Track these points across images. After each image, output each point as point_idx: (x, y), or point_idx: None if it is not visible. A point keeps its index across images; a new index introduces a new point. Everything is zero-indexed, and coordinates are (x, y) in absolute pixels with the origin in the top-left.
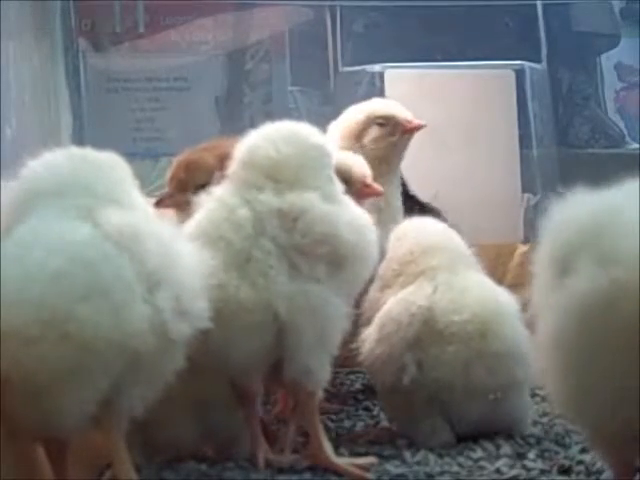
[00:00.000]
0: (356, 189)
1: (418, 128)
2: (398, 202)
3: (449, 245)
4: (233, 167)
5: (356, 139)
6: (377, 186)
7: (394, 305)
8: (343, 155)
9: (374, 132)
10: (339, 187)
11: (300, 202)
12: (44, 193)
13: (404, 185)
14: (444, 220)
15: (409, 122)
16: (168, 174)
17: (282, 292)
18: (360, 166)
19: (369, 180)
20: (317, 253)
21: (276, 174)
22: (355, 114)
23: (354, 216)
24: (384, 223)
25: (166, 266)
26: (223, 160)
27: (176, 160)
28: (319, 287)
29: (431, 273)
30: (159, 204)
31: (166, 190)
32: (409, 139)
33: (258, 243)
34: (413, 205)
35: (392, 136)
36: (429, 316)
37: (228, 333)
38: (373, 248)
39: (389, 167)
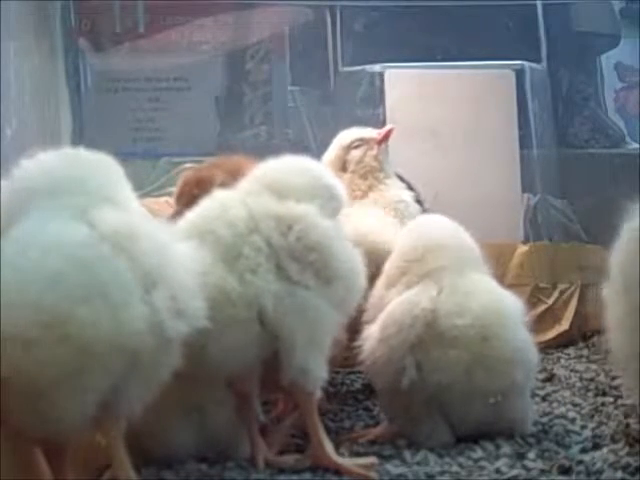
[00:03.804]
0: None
1: (389, 133)
2: (401, 203)
3: (457, 245)
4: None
5: (343, 170)
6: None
7: (397, 306)
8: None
9: (355, 155)
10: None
11: (299, 210)
12: (38, 193)
13: (420, 202)
14: None
15: (378, 134)
16: (176, 191)
17: (269, 290)
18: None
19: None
20: (308, 260)
21: (280, 190)
22: (330, 154)
23: (350, 247)
24: (390, 222)
25: (162, 266)
26: (233, 175)
27: (184, 177)
28: (306, 291)
29: (437, 274)
30: (172, 219)
31: (176, 207)
32: (386, 146)
33: (249, 240)
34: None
35: (370, 150)
36: (432, 319)
37: (212, 325)
38: (362, 279)
39: (381, 174)
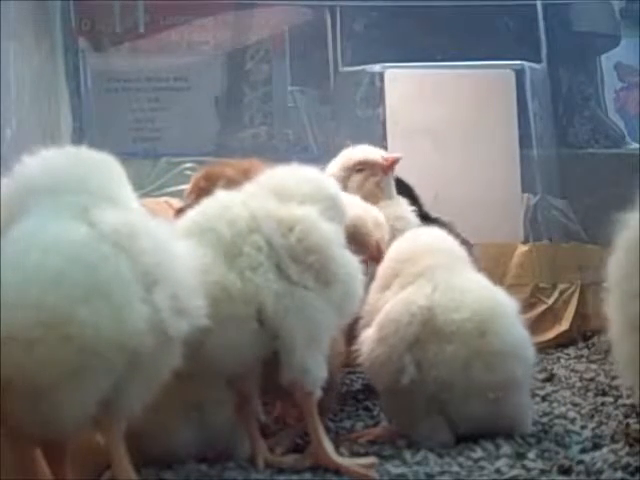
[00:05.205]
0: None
1: (395, 162)
2: (401, 221)
3: (447, 246)
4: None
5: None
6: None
7: (394, 306)
8: (363, 217)
9: (356, 179)
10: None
11: (301, 212)
12: (39, 191)
13: (420, 206)
14: (455, 233)
15: (385, 160)
16: (188, 188)
17: (269, 288)
18: (376, 230)
19: (382, 245)
20: (307, 261)
21: (283, 194)
22: (332, 171)
23: (349, 255)
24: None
25: (162, 264)
26: (245, 174)
27: (196, 175)
28: (305, 292)
29: (430, 273)
30: (179, 213)
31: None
32: (391, 173)
33: (250, 239)
34: (427, 222)
35: (374, 176)
36: (429, 316)
37: (211, 322)
38: (360, 285)
39: (380, 197)
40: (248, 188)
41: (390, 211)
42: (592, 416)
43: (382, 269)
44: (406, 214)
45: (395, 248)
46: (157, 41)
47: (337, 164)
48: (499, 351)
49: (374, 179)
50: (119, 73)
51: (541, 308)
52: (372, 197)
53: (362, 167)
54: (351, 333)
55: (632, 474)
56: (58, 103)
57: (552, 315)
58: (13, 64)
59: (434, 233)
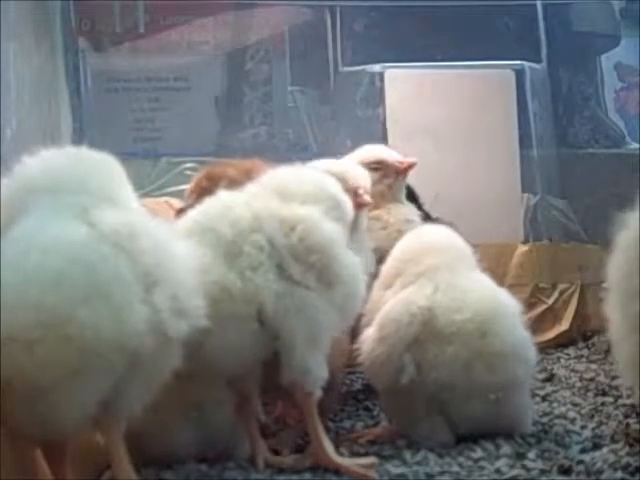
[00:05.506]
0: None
1: (410, 167)
2: (409, 224)
3: (450, 245)
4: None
5: None
6: (365, 198)
7: (394, 305)
8: (345, 165)
9: (370, 176)
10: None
11: (303, 211)
12: (39, 191)
13: (420, 206)
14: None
15: (401, 163)
16: (189, 187)
17: (269, 288)
18: (355, 177)
19: (361, 191)
20: (310, 261)
21: (285, 194)
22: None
23: (352, 255)
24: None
25: (162, 265)
26: (247, 174)
27: (197, 174)
28: (306, 292)
29: (432, 273)
30: (180, 213)
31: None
32: (405, 177)
33: (251, 239)
34: (428, 222)
35: (387, 178)
36: (429, 316)
37: (211, 322)
38: (362, 287)
39: (389, 199)
40: (250, 188)
41: (398, 213)
42: (592, 416)
43: (386, 268)
44: (414, 218)
45: (399, 247)
46: (157, 41)
47: (354, 157)
48: (500, 352)
49: (387, 181)
50: (119, 73)
51: (541, 308)
52: (381, 198)
53: (378, 166)
54: (354, 332)
55: (632, 474)
56: (58, 103)
57: (552, 315)
58: (13, 64)
59: (439, 232)
